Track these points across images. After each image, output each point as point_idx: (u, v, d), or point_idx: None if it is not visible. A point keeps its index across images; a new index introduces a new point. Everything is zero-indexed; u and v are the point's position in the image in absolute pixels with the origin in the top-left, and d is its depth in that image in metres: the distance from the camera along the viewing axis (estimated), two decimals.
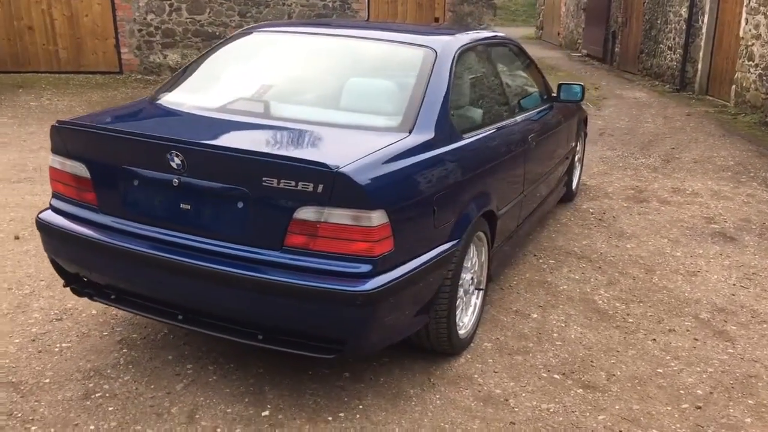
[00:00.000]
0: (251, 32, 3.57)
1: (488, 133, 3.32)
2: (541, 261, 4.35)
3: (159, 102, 3.10)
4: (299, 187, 2.35)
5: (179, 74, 3.35)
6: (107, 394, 2.77)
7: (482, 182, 3.14)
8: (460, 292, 3.11)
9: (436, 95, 2.96)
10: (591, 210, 5.42)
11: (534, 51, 18.36)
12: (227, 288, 2.49)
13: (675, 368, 3.15)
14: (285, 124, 2.81)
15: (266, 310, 2.50)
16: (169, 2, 10.85)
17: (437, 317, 2.91)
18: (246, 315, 2.56)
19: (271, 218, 2.44)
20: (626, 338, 3.41)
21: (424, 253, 2.67)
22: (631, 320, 3.61)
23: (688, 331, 3.52)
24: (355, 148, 2.53)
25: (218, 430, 2.60)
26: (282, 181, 2.36)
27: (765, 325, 3.60)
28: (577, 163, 5.70)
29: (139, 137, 2.57)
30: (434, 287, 2.81)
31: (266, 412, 2.71)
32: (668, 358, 3.24)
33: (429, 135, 2.80)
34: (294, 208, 2.39)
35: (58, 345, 3.13)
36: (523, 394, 2.90)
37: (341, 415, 2.72)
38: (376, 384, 2.93)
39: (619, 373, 3.10)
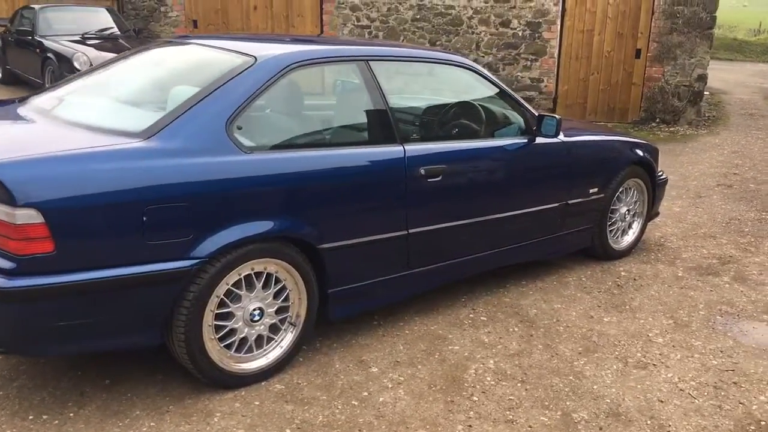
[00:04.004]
0: (168, 43, 3.70)
1: (307, 154, 3.01)
2: (471, 315, 3.76)
3: (21, 101, 3.38)
4: None
5: (63, 80, 3.62)
6: None
7: (273, 205, 2.87)
8: (234, 321, 2.88)
9: (216, 104, 2.80)
10: (622, 273, 4.49)
11: None
12: None
13: None
14: (38, 119, 2.94)
15: None
16: (368, 30, 11.43)
17: (177, 340, 2.74)
18: None
19: None
20: (438, 415, 2.83)
21: (126, 265, 2.55)
22: (476, 398, 2.96)
23: (530, 427, 2.78)
24: (43, 146, 2.55)
25: None
26: None
27: None
28: (633, 219, 4.78)
29: None
30: (155, 305, 2.65)
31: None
32: None
33: (172, 144, 2.66)
34: None
35: None
36: None
37: (44, 417, 2.71)
38: (119, 397, 2.87)
39: None
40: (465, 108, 3.82)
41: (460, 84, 3.88)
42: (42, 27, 10.04)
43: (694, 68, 9.99)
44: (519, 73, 10.68)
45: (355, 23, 11.44)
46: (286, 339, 3.08)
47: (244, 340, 2.95)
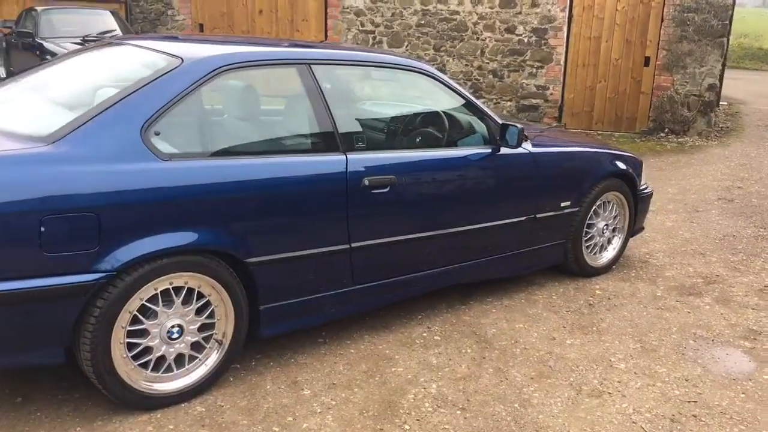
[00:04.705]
0: (106, 44, 3.57)
1: (234, 162, 2.83)
2: (425, 333, 3.56)
3: None
4: None
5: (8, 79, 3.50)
6: None
7: (194, 216, 2.70)
8: (149, 338, 2.71)
9: (131, 108, 2.64)
10: (597, 291, 4.25)
11: None
12: None
13: None
14: None
15: None
16: (372, 35, 11.27)
17: (84, 358, 2.59)
18: None
19: None
20: None
21: (21, 278, 2.39)
22: (408, 426, 2.77)
23: None
24: None
25: None
26: None
27: None
28: (613, 234, 4.54)
29: None
30: (56, 322, 2.49)
31: None
32: None
33: (78, 149, 2.51)
34: None
35: None
36: None
37: None
38: (27, 416, 2.73)
39: None
40: (421, 116, 3.63)
41: (418, 90, 3.69)
42: (43, 29, 10.03)
43: (704, 77, 9.67)
44: (524, 81, 10.43)
45: (360, 28, 11.29)
46: (212, 358, 2.91)
47: (162, 359, 2.78)
